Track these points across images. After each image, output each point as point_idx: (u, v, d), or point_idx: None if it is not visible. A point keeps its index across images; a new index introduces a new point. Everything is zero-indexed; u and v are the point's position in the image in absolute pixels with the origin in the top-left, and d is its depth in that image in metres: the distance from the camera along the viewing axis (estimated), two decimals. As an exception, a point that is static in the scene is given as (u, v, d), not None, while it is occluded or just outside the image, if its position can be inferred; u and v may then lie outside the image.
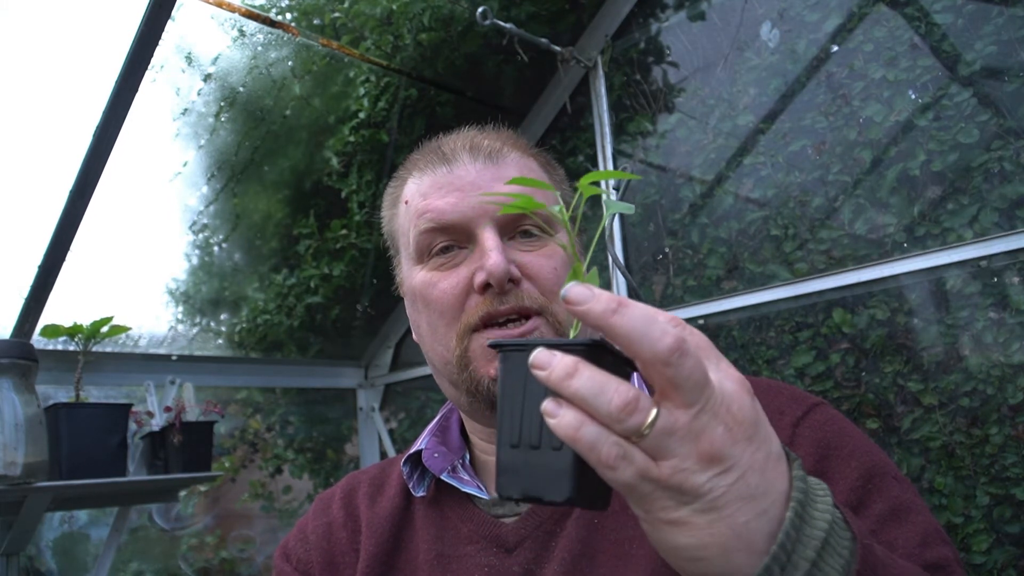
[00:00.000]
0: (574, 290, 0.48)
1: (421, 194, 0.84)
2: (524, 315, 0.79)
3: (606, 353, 0.50)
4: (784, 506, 0.48)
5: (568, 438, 0.46)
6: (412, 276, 0.86)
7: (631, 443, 0.46)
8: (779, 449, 0.50)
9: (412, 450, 0.90)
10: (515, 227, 0.82)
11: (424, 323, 0.85)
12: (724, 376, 0.49)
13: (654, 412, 0.46)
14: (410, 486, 0.89)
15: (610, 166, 2.16)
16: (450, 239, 0.82)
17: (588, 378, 0.46)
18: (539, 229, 0.83)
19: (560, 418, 0.47)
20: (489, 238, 0.79)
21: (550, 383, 0.47)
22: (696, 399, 0.46)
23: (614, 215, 1.95)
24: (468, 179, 0.82)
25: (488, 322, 0.79)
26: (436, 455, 0.88)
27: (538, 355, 0.48)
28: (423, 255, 0.84)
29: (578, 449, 0.47)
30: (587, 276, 0.55)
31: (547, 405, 0.48)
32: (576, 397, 0.46)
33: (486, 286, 0.78)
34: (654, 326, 0.46)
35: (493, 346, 0.54)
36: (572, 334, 0.56)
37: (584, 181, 0.56)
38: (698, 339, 0.49)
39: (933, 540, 0.70)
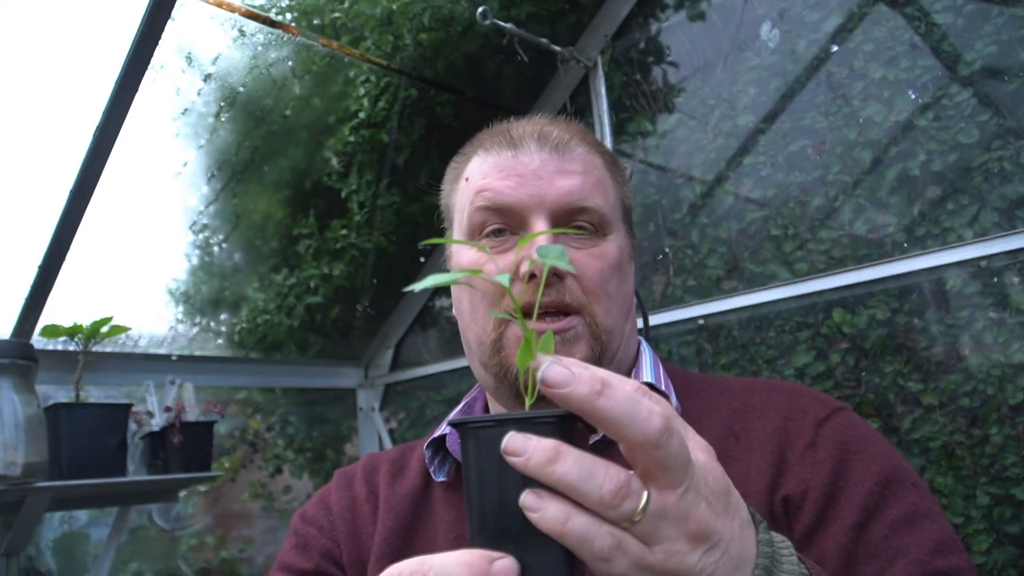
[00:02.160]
0: (552, 371, 0.43)
1: (482, 173, 0.85)
2: (563, 311, 0.80)
3: (575, 422, 0.46)
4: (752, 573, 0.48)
5: (555, 533, 0.43)
6: (461, 253, 0.87)
7: (623, 530, 0.44)
8: (747, 514, 0.50)
9: (435, 434, 0.91)
10: (569, 222, 0.83)
11: (466, 301, 0.86)
12: (695, 446, 0.48)
13: (646, 495, 0.44)
14: (431, 470, 0.90)
15: (610, 166, 2.16)
16: (503, 222, 0.83)
17: (573, 463, 0.43)
18: (593, 228, 0.84)
19: (544, 512, 0.43)
20: (540, 229, 0.80)
21: (528, 471, 0.43)
22: (683, 478, 0.44)
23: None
24: (531, 167, 0.83)
25: (527, 311, 0.80)
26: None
27: (512, 441, 0.43)
28: (474, 234, 0.85)
29: (567, 543, 0.43)
30: (542, 341, 0.49)
31: (527, 499, 0.43)
32: (561, 484, 0.43)
33: (531, 276, 0.79)
34: (640, 407, 0.43)
35: (454, 425, 0.49)
36: (528, 401, 0.51)
37: (522, 242, 0.54)
38: (665, 405, 0.46)
39: (946, 548, 0.70)
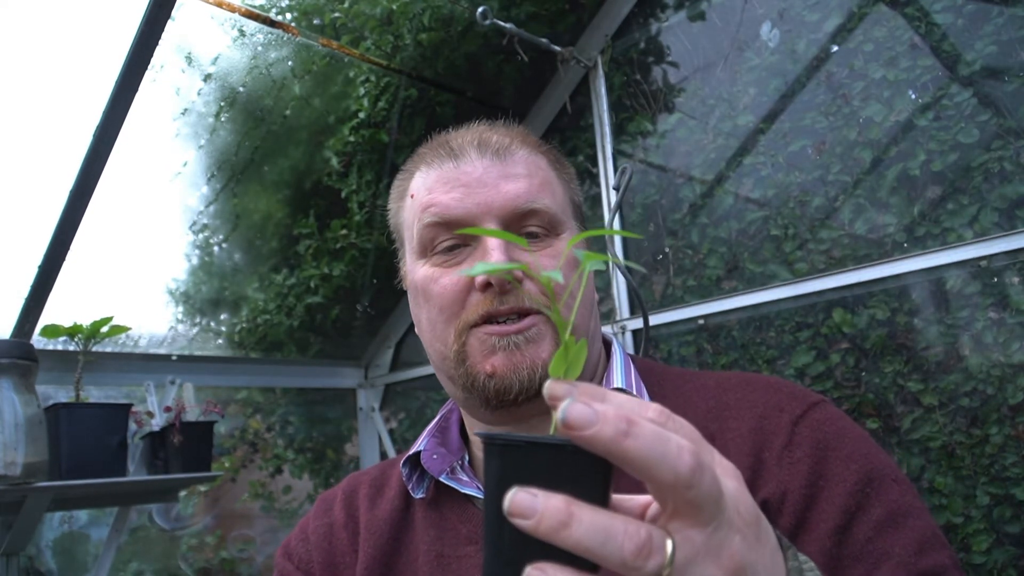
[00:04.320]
0: (574, 411, 0.39)
1: (427, 188, 0.84)
2: (524, 315, 0.78)
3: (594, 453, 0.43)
4: None
5: None
6: (415, 270, 0.85)
7: None
8: (775, 540, 0.48)
9: (411, 451, 0.90)
10: (520, 226, 0.82)
11: (424, 318, 0.85)
12: (723, 472, 0.45)
13: (671, 545, 0.40)
14: (409, 488, 0.89)
15: (610, 166, 2.16)
16: (453, 236, 0.82)
17: (589, 525, 0.39)
18: (544, 229, 0.83)
19: None
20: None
21: (540, 535, 0.39)
22: (715, 514, 0.42)
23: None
24: (474, 175, 0.81)
25: (487, 320, 0.79)
26: (435, 456, 0.88)
27: (517, 500, 0.39)
28: (426, 250, 0.84)
29: None
30: (576, 346, 0.46)
31: None
32: (578, 549, 0.39)
33: (487, 284, 0.78)
34: (669, 444, 0.40)
35: (481, 436, 0.45)
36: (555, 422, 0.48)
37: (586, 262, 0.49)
38: (691, 433, 0.43)
39: (930, 546, 0.70)
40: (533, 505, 0.39)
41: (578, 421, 0.39)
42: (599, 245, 2.01)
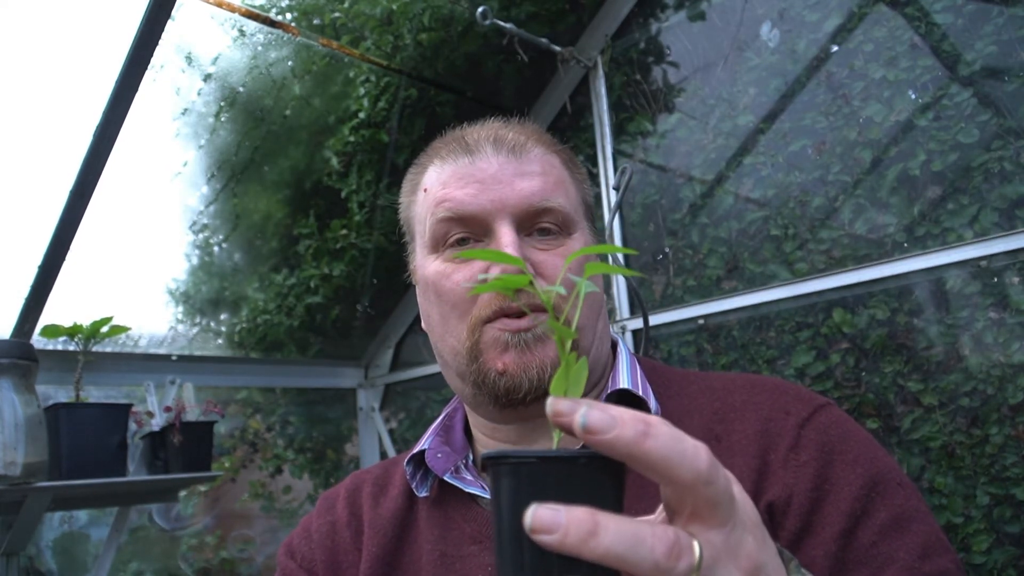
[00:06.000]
0: (594, 417, 0.40)
1: (441, 183, 0.83)
2: (536, 311, 0.78)
3: (607, 463, 0.42)
4: None
5: None
6: (426, 265, 0.85)
7: None
8: (774, 545, 0.49)
9: (415, 450, 0.89)
10: (533, 224, 0.82)
11: (435, 313, 0.84)
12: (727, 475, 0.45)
13: (698, 545, 0.41)
14: (413, 486, 0.89)
15: (610, 166, 2.16)
16: (466, 231, 0.82)
17: (616, 532, 0.38)
18: (557, 228, 0.83)
19: None
20: (506, 233, 0.79)
21: (566, 549, 0.38)
22: (731, 514, 0.42)
23: (614, 217, 1.95)
24: (490, 171, 0.81)
25: (501, 315, 0.79)
26: (439, 455, 0.88)
27: (539, 516, 0.38)
28: (438, 245, 0.83)
29: None
30: (577, 366, 0.47)
31: None
32: (608, 558, 0.38)
33: None
34: (685, 443, 0.40)
35: (488, 459, 0.44)
36: (556, 437, 0.47)
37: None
38: (696, 435, 0.44)
39: (934, 550, 0.70)
40: (556, 519, 0.38)
41: (599, 425, 0.40)
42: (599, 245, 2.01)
